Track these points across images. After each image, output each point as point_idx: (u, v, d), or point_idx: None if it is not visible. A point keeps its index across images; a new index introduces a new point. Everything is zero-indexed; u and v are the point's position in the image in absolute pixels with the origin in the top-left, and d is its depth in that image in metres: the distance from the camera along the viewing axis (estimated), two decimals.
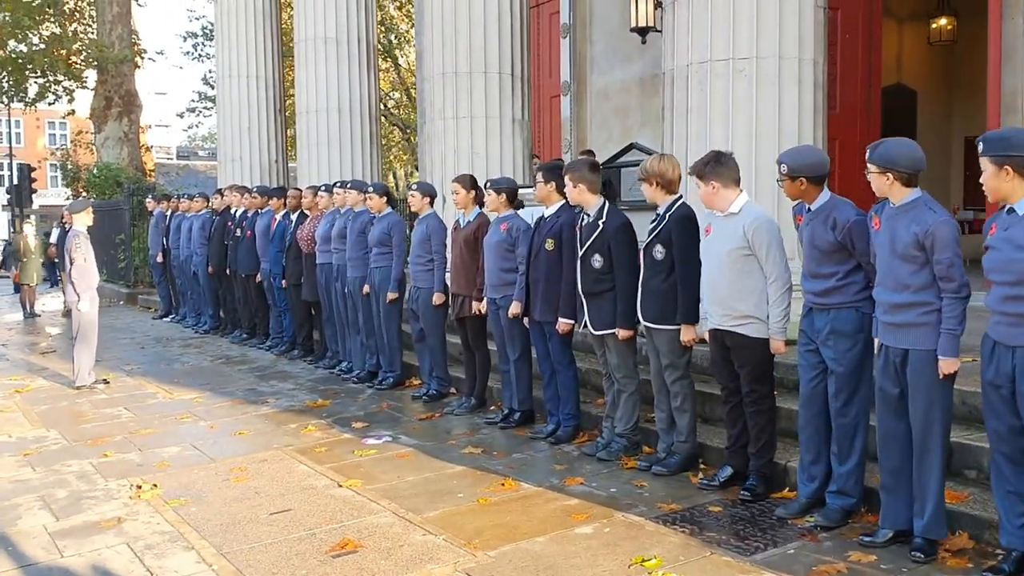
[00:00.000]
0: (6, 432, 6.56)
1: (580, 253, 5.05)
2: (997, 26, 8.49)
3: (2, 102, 24.48)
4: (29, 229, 15.20)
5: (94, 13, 24.73)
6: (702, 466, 4.87)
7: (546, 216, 5.50)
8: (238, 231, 10.36)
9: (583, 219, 5.11)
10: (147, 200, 14.29)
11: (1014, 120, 8.41)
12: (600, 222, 5.00)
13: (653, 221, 4.79)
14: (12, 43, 23.21)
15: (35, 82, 24.44)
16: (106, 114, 23.82)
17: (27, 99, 24.76)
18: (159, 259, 13.25)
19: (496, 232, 5.88)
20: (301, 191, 9.29)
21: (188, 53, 30.47)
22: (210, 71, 31.49)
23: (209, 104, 31.47)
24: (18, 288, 21.17)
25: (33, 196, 24.67)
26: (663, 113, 6.70)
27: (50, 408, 7.40)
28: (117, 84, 23.74)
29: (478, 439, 5.76)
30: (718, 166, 4.32)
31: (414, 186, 6.93)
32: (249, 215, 10.25)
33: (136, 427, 6.55)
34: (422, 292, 6.84)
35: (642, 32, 11.49)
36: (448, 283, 6.76)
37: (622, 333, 4.95)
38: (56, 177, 46.14)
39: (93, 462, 5.62)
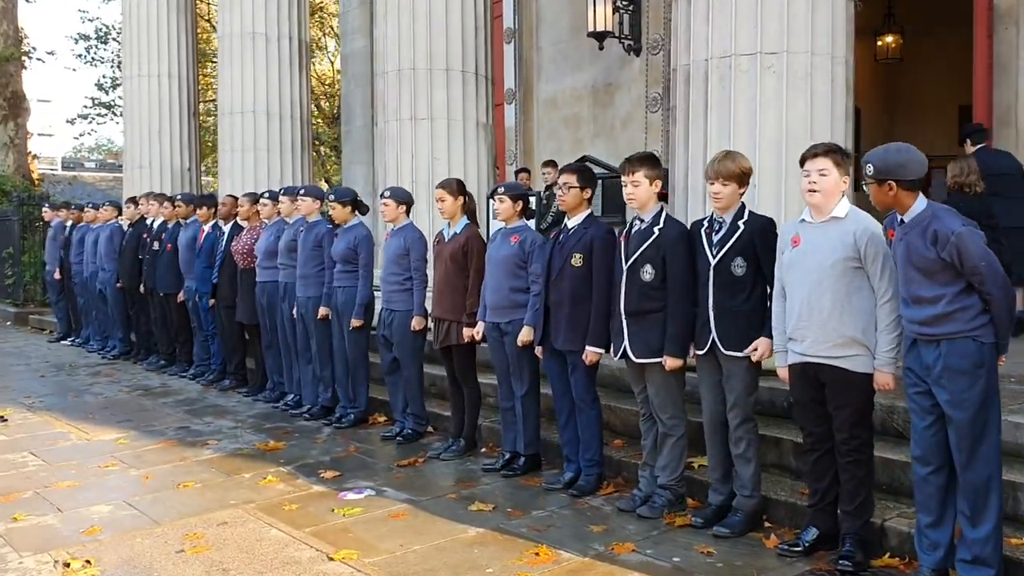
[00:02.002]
0: None
1: (626, 264, 4.22)
2: (984, 39, 8.11)
3: None
4: None
5: None
6: (767, 524, 4.09)
7: (570, 227, 4.65)
8: (156, 244, 9.18)
9: (633, 225, 4.29)
10: (43, 210, 12.83)
11: (1009, 134, 8.02)
12: (656, 228, 4.19)
13: (714, 230, 4.00)
14: None
15: None
16: None
17: None
18: (57, 275, 11.86)
19: (505, 245, 5.00)
20: (235, 199, 8.21)
21: (80, 56, 28.37)
22: (104, 76, 29.66)
23: (103, 111, 29.60)
24: None
25: None
26: (674, 113, 5.95)
27: None
28: (2, 85, 21.89)
29: (482, 491, 4.84)
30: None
31: (387, 192, 5.99)
32: (170, 226, 9.08)
33: (49, 478, 5.40)
34: (397, 316, 5.90)
35: (599, 37, 10.83)
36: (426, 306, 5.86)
37: (670, 362, 4.14)
38: None
39: (0, 529, 4.49)
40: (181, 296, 8.80)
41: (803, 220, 3.68)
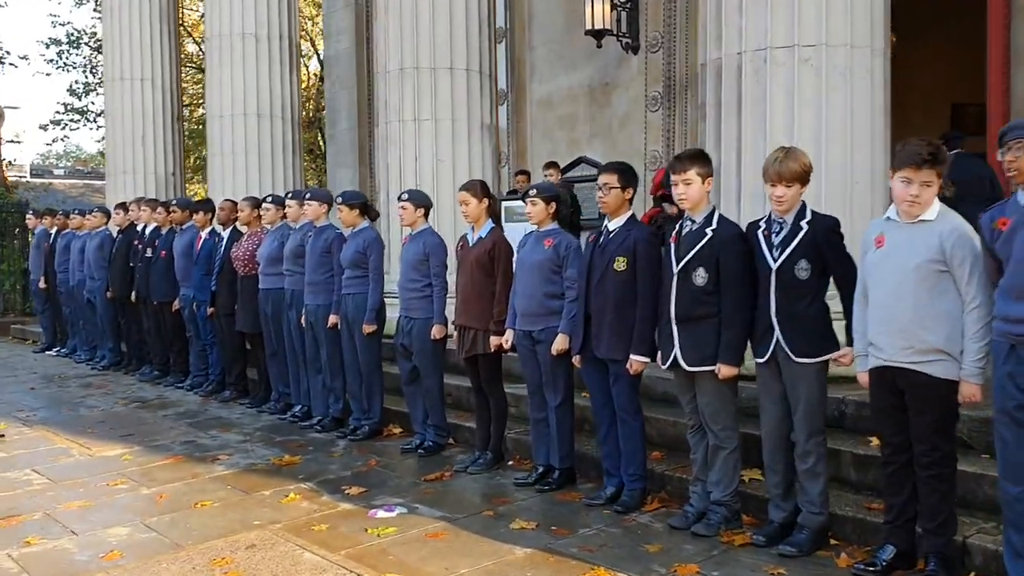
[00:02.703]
0: None
1: (676, 268, 4.01)
2: (1000, 30, 8.00)
3: None
4: None
5: None
6: (832, 541, 3.90)
7: (611, 229, 4.44)
8: (148, 251, 8.88)
9: (684, 226, 4.08)
10: (27, 217, 12.45)
11: None
12: (709, 229, 3.98)
13: (773, 231, 3.81)
14: None
15: None
16: None
17: None
18: (42, 284, 11.50)
19: (538, 249, 4.78)
20: (234, 203, 7.92)
21: (52, 61, 27.80)
22: (76, 81, 29.11)
23: (76, 116, 29.05)
24: None
25: None
26: (703, 110, 5.76)
27: None
28: None
29: (519, 508, 4.61)
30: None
31: (404, 195, 5.75)
32: (163, 232, 8.78)
33: (57, 498, 5.11)
34: (416, 324, 5.65)
35: (597, 35, 10.64)
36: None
37: (725, 370, 3.94)
38: None
39: (13, 554, 4.20)
40: (176, 304, 8.51)
41: (888, 218, 3.48)
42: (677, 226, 4.15)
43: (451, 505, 4.70)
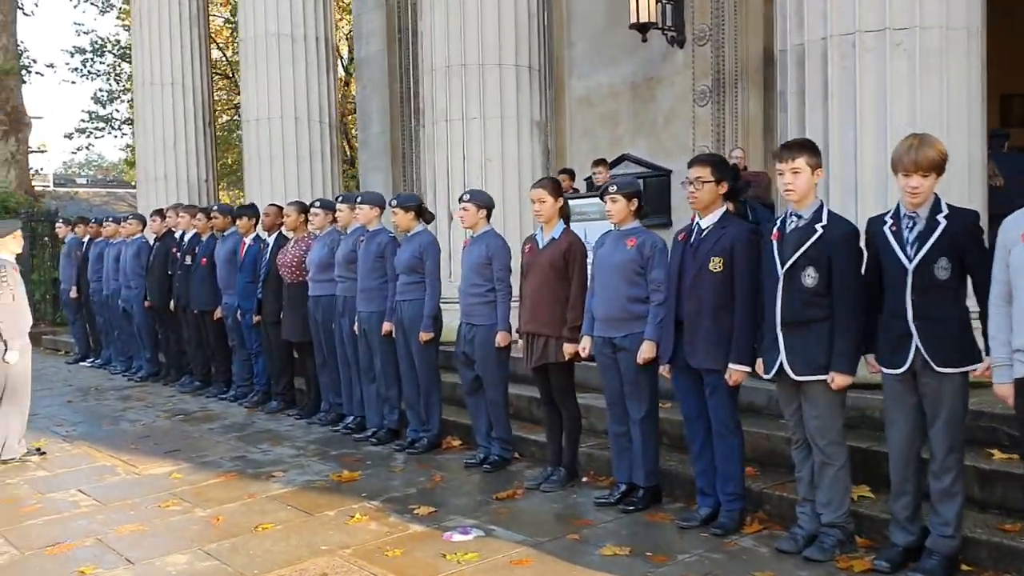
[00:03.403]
0: None
1: (782, 268, 3.68)
2: None
3: None
4: None
5: None
6: (964, 566, 3.55)
7: (704, 227, 4.12)
8: (188, 259, 8.62)
9: (787, 222, 3.75)
10: (57, 225, 12.24)
11: None
12: (819, 226, 3.64)
13: (905, 227, 3.46)
14: None
15: None
16: None
17: None
18: (73, 294, 11.29)
19: (620, 250, 4.46)
20: (279, 208, 7.65)
21: (76, 70, 27.76)
22: (100, 89, 29.08)
23: (101, 124, 29.01)
24: None
25: None
26: (783, 99, 5.41)
27: None
28: (2, 100, 21.30)
29: (605, 531, 4.29)
30: None
31: (466, 196, 5.44)
32: (203, 239, 8.52)
33: (108, 521, 4.84)
34: (479, 331, 5.34)
35: (642, 29, 10.32)
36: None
37: (839, 380, 3.60)
38: None
39: None
40: (219, 313, 8.25)
41: None
42: (779, 222, 3.81)
43: (530, 527, 4.38)
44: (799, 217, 3.72)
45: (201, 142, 12.76)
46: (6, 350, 6.11)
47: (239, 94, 27.27)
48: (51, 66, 26.81)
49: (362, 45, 15.53)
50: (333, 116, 10.69)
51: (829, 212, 3.72)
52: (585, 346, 4.65)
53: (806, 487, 3.85)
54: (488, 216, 5.43)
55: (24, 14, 23.23)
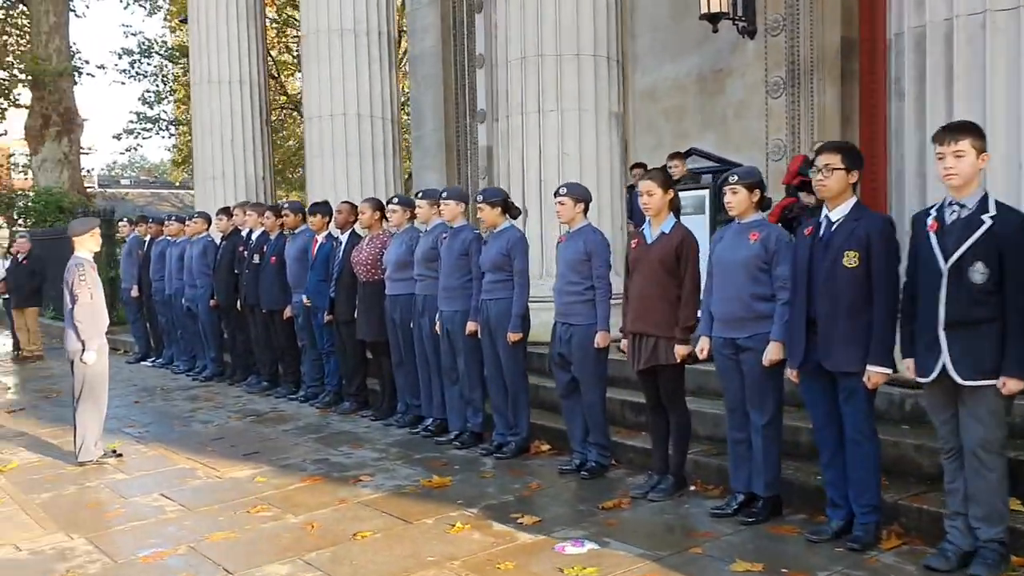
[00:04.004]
0: (8, 540, 4.63)
1: (945, 263, 3.39)
2: None
3: None
4: None
5: (27, 24, 22.43)
6: None
7: (834, 219, 3.85)
8: (256, 257, 8.48)
9: (946, 213, 3.46)
10: (120, 224, 12.20)
11: None
12: (986, 216, 3.36)
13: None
14: None
15: None
16: (43, 134, 21.53)
17: None
18: (135, 293, 11.22)
19: (741, 244, 4.20)
20: (352, 205, 7.48)
21: (124, 71, 27.95)
22: (147, 90, 29.27)
23: (148, 125, 29.19)
24: None
25: None
26: (897, 85, 5.10)
27: (55, 497, 5.46)
28: (55, 101, 21.48)
29: (728, 544, 4.03)
30: None
31: (562, 189, 5.21)
32: (272, 237, 8.38)
33: (197, 528, 4.67)
34: (577, 331, 5.11)
35: (713, 19, 10.02)
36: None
37: (1011, 385, 3.30)
38: None
39: None
40: (288, 312, 8.10)
41: None
42: (935, 212, 3.52)
43: (645, 539, 4.14)
44: (961, 206, 3.43)
45: (258, 140, 12.65)
46: (84, 350, 5.99)
47: (284, 94, 27.40)
48: (102, 67, 27.00)
49: (415, 41, 15.36)
50: (395, 112, 10.51)
51: (997, 202, 3.42)
52: (703, 347, 4.40)
53: (959, 500, 3.56)
54: (586, 210, 5.20)
55: (76, 16, 23.42)
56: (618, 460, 5.37)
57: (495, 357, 5.76)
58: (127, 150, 49.52)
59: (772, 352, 4.07)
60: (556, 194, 5.20)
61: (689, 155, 10.87)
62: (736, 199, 4.21)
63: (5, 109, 22.25)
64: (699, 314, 4.53)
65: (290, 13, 26.36)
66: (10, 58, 21.45)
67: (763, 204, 4.29)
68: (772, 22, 10.08)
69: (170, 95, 29.26)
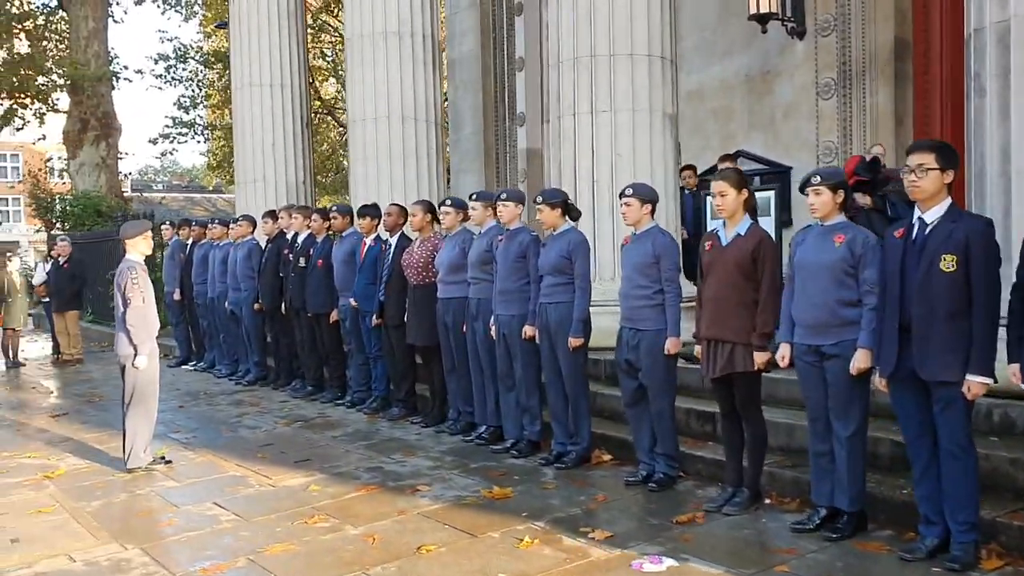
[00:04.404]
0: (62, 549, 4.52)
1: None
2: None
3: None
4: (14, 265, 12.98)
5: (66, 29, 22.60)
6: None
7: (928, 221, 3.65)
8: (302, 260, 8.37)
9: None
10: (163, 227, 12.18)
11: None
12: None
13: None
14: None
15: (0, 104, 22.17)
16: (81, 138, 21.68)
17: None
18: (177, 296, 11.17)
19: (827, 247, 4.01)
20: (401, 207, 7.36)
21: (160, 76, 28.08)
22: (183, 96, 29.39)
23: (183, 130, 29.32)
24: None
25: None
26: (978, 82, 4.88)
27: (106, 505, 5.36)
28: (94, 105, 21.62)
29: (815, 562, 3.83)
30: None
31: (628, 190, 5.04)
32: (319, 240, 8.27)
33: (254, 539, 4.54)
34: (645, 337, 4.93)
35: (762, 19, 9.82)
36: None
37: None
38: (15, 212, 43.51)
39: None
40: (335, 315, 7.99)
41: None
42: None
43: (725, 556, 3.95)
44: None
45: (298, 143, 12.59)
46: (136, 355, 5.90)
47: (318, 98, 27.42)
48: (139, 72, 27.28)
49: (455, 45, 15.25)
50: (438, 115, 10.39)
51: None
52: (784, 355, 4.21)
53: None
54: (653, 211, 5.02)
55: (114, 21, 23.56)
56: (686, 471, 5.19)
57: (554, 363, 5.60)
58: (162, 155, 49.87)
59: (860, 360, 3.88)
60: (622, 195, 5.03)
61: (737, 157, 10.68)
62: (820, 200, 4.02)
63: (44, 113, 22.37)
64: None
65: (325, 19, 26.42)
66: (49, 63, 21.55)
67: (845, 206, 4.09)
68: (822, 22, 9.87)
69: (205, 100, 29.39)
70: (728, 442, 4.66)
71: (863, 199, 8.41)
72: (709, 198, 9.28)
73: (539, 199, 5.60)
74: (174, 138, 29.35)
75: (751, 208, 4.49)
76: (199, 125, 29.80)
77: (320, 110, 27.61)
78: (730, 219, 4.47)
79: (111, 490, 5.68)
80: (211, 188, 46.75)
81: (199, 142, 31.29)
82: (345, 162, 29.12)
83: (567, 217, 5.61)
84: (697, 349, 4.66)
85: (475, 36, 14.48)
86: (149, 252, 6.24)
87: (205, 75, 29.66)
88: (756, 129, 10.72)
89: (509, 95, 14.15)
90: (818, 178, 4.05)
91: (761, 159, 10.50)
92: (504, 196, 5.92)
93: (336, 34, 27.26)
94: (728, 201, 4.41)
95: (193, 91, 29.43)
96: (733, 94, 10.95)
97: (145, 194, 39.85)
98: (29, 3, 23.05)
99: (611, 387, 6.32)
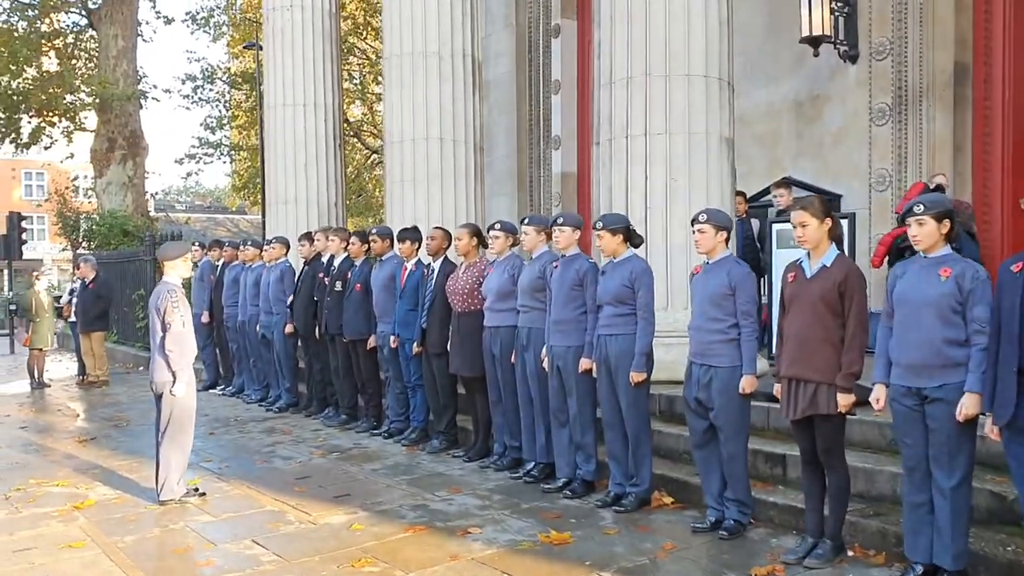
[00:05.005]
0: None
1: None
2: None
3: None
4: (41, 284, 12.79)
5: (95, 48, 22.62)
6: None
7: None
8: (338, 284, 8.11)
9: None
10: (192, 248, 11.95)
11: None
12: None
13: None
14: (5, 79, 20.96)
15: (29, 122, 22.18)
16: (109, 157, 21.63)
17: (20, 141, 22.44)
18: (205, 318, 10.93)
19: (931, 281, 3.70)
20: (445, 231, 7.09)
21: (187, 96, 28.11)
22: (209, 116, 29.45)
23: (210, 150, 29.34)
24: (13, 348, 18.69)
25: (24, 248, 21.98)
26: None
27: (139, 540, 5.07)
28: (121, 124, 21.59)
29: None
30: None
31: (702, 216, 4.74)
32: (357, 263, 8.01)
33: None
34: (719, 374, 4.61)
35: (814, 43, 9.54)
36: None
37: None
38: (39, 230, 43.69)
39: None
40: (372, 342, 7.71)
41: None
42: None
43: None
44: None
45: (331, 164, 12.40)
46: (174, 381, 5.63)
47: (345, 121, 27.36)
48: (168, 91, 27.32)
49: (489, 66, 15.03)
50: (479, 137, 10.15)
51: None
52: (879, 397, 3.88)
53: None
54: (727, 240, 4.72)
55: (143, 40, 23.57)
56: (756, 518, 4.84)
57: (613, 398, 5.28)
58: (187, 175, 50.15)
59: (969, 405, 3.55)
60: (694, 221, 4.73)
61: (785, 181, 10.38)
62: (923, 231, 3.72)
63: (72, 132, 22.37)
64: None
65: (353, 41, 26.36)
66: (78, 81, 21.56)
67: (951, 236, 3.78)
68: (877, 46, 9.57)
69: (231, 121, 29.42)
70: (808, 489, 4.32)
71: None
72: (755, 222, 9.05)
73: (599, 224, 5.30)
74: (200, 158, 29.35)
75: (836, 238, 4.18)
76: (224, 146, 29.82)
77: (347, 132, 27.54)
78: (814, 250, 4.16)
79: (144, 524, 5.39)
80: (234, 209, 46.83)
81: (225, 163, 31.33)
82: (370, 185, 29.03)
83: (628, 244, 5.31)
84: (776, 388, 4.33)
85: (510, 58, 14.30)
86: (188, 275, 6.00)
87: (231, 96, 29.71)
88: (803, 155, 10.42)
89: (544, 118, 13.96)
90: (921, 207, 3.73)
91: (810, 187, 10.17)
92: (561, 221, 5.63)
93: (363, 56, 27.25)
94: (810, 232, 4.11)
95: (220, 112, 29.48)
96: (779, 119, 10.66)
97: (171, 214, 39.95)
98: (59, 21, 23.10)
99: (668, 424, 6.01)
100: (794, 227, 4.19)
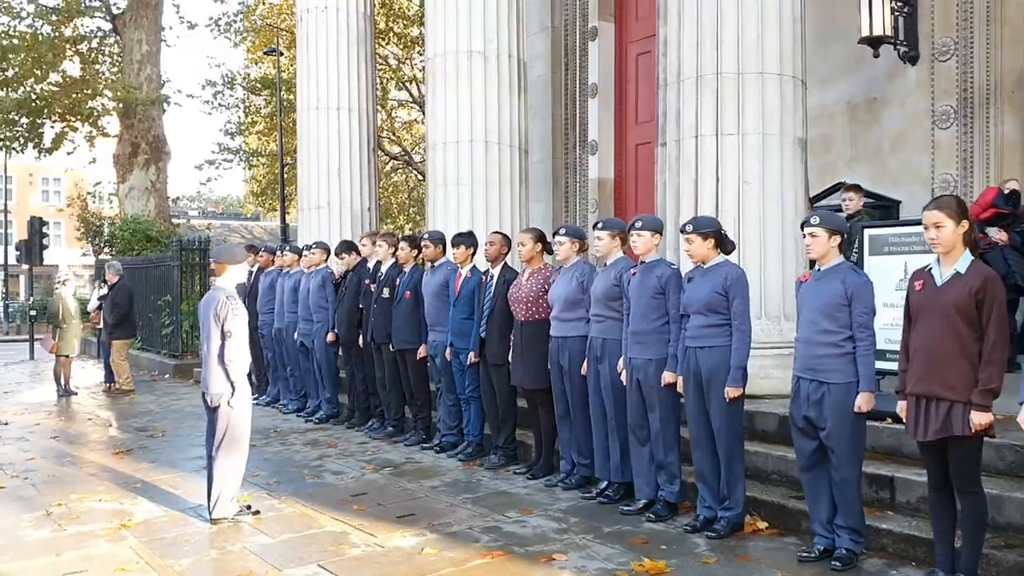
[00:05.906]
0: None
1: None
2: None
3: (15, 149, 21.84)
4: (68, 290, 12.48)
5: (119, 52, 22.42)
6: None
7: None
8: (385, 291, 7.78)
9: None
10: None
11: None
12: None
13: None
14: (29, 83, 20.77)
15: (52, 127, 21.97)
16: (131, 162, 21.41)
17: (42, 146, 22.24)
18: None
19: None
20: (504, 236, 6.75)
21: (208, 102, 27.89)
22: (229, 121, 29.25)
23: (229, 156, 29.13)
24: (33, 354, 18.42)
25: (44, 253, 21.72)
26: None
27: (196, 563, 4.73)
28: (144, 129, 21.38)
29: None
30: None
31: (814, 219, 4.37)
32: (407, 270, 7.67)
33: None
34: (832, 391, 4.24)
35: (874, 43, 9.20)
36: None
37: None
38: (56, 236, 43.57)
39: None
40: (423, 351, 7.37)
41: None
42: None
43: None
44: None
45: (365, 169, 12.12)
46: (233, 392, 5.30)
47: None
48: (191, 96, 27.15)
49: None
50: (524, 140, 9.82)
51: None
52: None
53: None
54: (841, 244, 4.36)
55: (167, 45, 23.38)
56: (867, 547, 4.47)
57: (703, 415, 4.92)
58: (207, 180, 50.03)
59: None
60: (805, 224, 4.37)
61: (837, 189, 10.01)
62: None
63: (95, 137, 22.17)
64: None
65: (381, 45, 26.08)
66: (102, 86, 21.36)
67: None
68: (941, 46, 9.22)
69: (251, 127, 29.21)
70: (938, 517, 3.94)
71: (999, 235, 7.72)
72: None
73: (689, 227, 4.95)
74: (219, 164, 29.14)
75: (972, 242, 3.82)
76: (243, 152, 29.61)
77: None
78: (946, 255, 3.80)
79: (198, 545, 5.06)
80: (249, 215, 46.64)
81: (244, 168, 31.10)
82: (387, 190, 28.73)
83: (719, 249, 4.96)
84: (901, 406, 3.97)
85: (546, 61, 13.98)
86: (243, 280, 5.66)
87: (251, 102, 29.49)
88: (859, 160, 10.05)
89: (580, 122, 13.62)
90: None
91: (868, 192, 9.81)
92: (639, 224, 5.28)
93: (385, 64, 26.97)
94: (945, 234, 3.75)
95: (239, 118, 29.27)
96: (833, 122, 10.30)
97: (183, 220, 39.76)
98: (83, 26, 22.93)
99: (752, 441, 5.63)
100: (926, 228, 3.82)
